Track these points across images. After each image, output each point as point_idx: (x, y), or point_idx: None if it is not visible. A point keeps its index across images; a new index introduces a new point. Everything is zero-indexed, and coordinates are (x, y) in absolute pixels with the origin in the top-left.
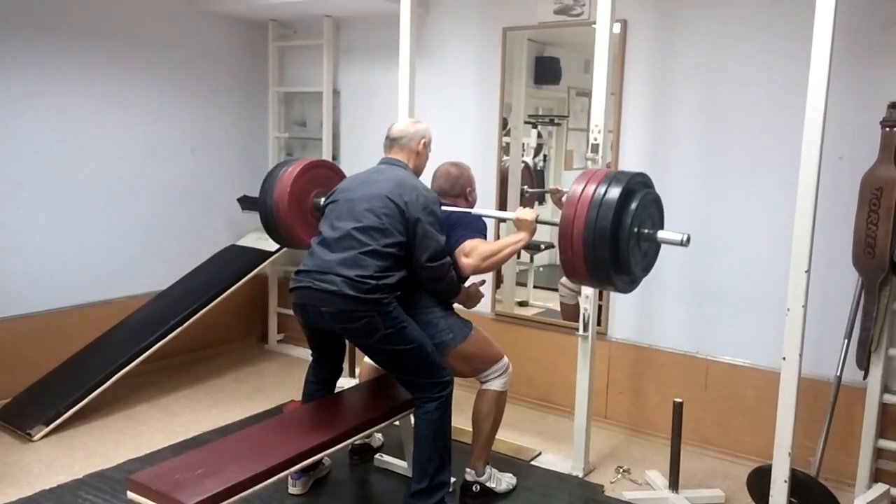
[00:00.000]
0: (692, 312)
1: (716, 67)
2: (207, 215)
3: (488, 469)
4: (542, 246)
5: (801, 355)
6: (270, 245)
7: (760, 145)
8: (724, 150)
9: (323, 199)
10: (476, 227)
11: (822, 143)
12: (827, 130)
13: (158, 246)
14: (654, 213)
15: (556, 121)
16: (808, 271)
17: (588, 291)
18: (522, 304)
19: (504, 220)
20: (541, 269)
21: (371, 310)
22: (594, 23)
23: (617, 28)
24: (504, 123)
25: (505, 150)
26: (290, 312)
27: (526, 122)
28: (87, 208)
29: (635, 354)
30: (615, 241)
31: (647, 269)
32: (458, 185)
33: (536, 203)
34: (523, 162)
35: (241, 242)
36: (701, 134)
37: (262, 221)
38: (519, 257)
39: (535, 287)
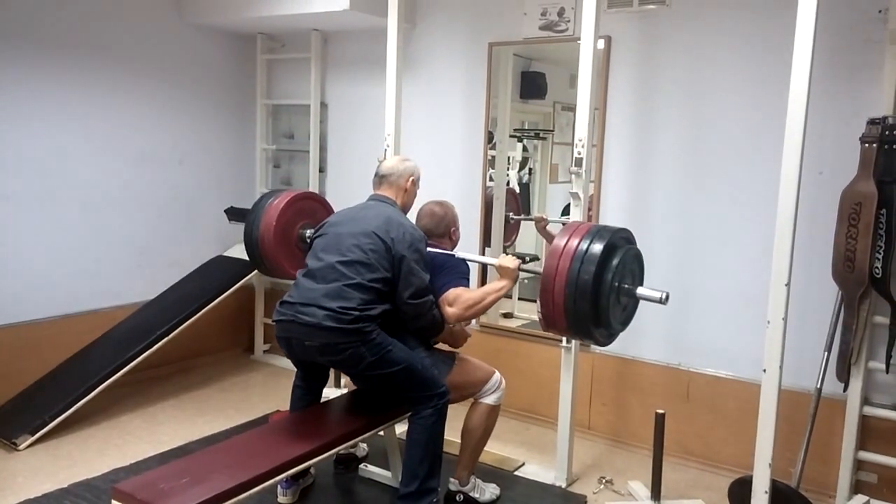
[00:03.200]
0: (674, 325)
1: (698, 83)
2: (195, 226)
3: (472, 479)
4: (527, 258)
5: (781, 368)
6: None
7: (742, 159)
8: (705, 163)
9: (309, 232)
10: (459, 270)
11: (802, 157)
12: (807, 145)
13: (145, 256)
14: (634, 268)
15: (541, 135)
16: (788, 284)
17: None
18: (507, 315)
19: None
20: (525, 280)
21: (354, 340)
22: (579, 39)
23: (601, 44)
24: (490, 137)
25: (491, 163)
26: None
27: (511, 136)
28: (74, 218)
29: (618, 366)
30: (596, 296)
31: (626, 323)
32: (442, 225)
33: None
34: (508, 184)
35: (228, 253)
36: (683, 148)
37: (247, 252)
38: None
39: (519, 299)
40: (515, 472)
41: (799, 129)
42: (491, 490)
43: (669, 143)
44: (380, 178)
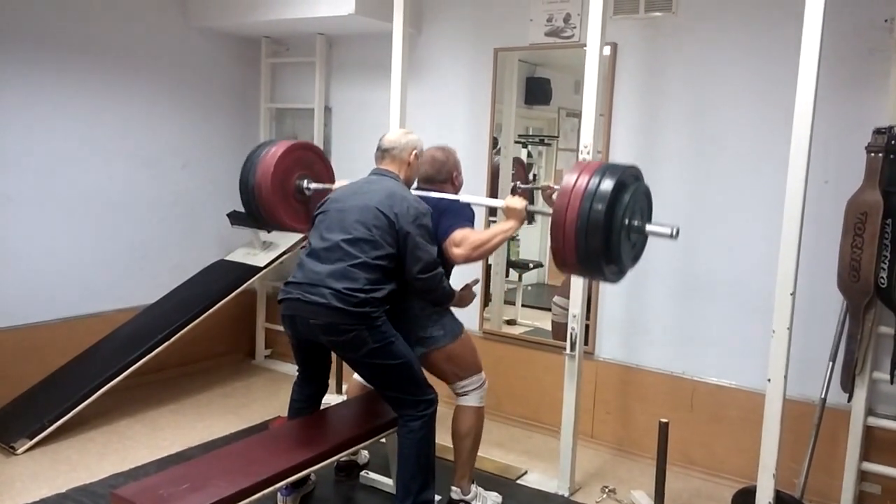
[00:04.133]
0: (679, 333)
1: (703, 91)
2: (197, 230)
3: (474, 487)
4: (531, 265)
5: (786, 377)
6: (259, 260)
7: (747, 168)
8: (711, 171)
9: (306, 183)
10: (464, 214)
11: (807, 166)
12: (813, 154)
13: (147, 260)
14: (644, 205)
15: (546, 141)
16: (793, 294)
17: (576, 311)
18: (511, 322)
19: (493, 209)
20: (529, 287)
21: (359, 323)
22: (584, 45)
23: (607, 50)
24: (495, 143)
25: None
26: (278, 328)
27: (516, 142)
28: (76, 221)
29: (622, 374)
30: (607, 233)
31: (636, 259)
32: (444, 171)
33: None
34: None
35: (230, 257)
36: (688, 156)
37: (242, 201)
38: (508, 276)
39: (523, 306)
40: (518, 481)
41: (805, 139)
42: (493, 499)
43: (675, 150)
44: (382, 152)
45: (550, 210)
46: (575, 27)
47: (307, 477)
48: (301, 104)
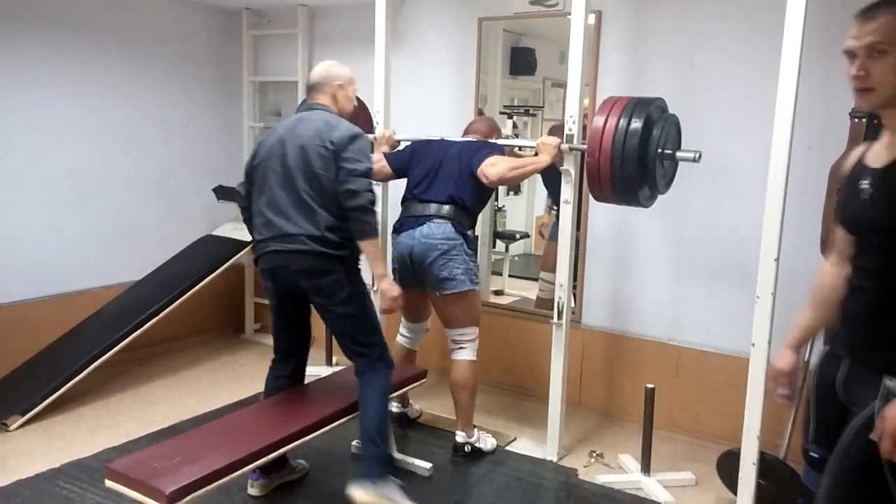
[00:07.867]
0: (664, 300)
1: (689, 59)
2: (182, 205)
3: (476, 431)
4: (518, 235)
5: (770, 342)
6: (246, 235)
7: (732, 135)
8: (696, 139)
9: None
10: (498, 148)
11: (792, 133)
12: (797, 121)
13: (133, 235)
14: (674, 133)
15: (531, 111)
16: (777, 259)
17: (562, 280)
18: (498, 292)
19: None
20: (516, 258)
21: (339, 267)
22: (569, 14)
23: (592, 19)
24: (479, 113)
25: None
26: (267, 302)
27: (501, 113)
28: (60, 198)
29: (608, 342)
30: (642, 164)
31: (669, 184)
32: (489, 128)
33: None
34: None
35: (217, 232)
36: None
37: None
38: (494, 247)
39: (510, 276)
40: (507, 447)
41: (789, 105)
42: (490, 441)
43: None
44: (309, 87)
45: (585, 146)
46: None
47: (284, 461)
48: (284, 77)
